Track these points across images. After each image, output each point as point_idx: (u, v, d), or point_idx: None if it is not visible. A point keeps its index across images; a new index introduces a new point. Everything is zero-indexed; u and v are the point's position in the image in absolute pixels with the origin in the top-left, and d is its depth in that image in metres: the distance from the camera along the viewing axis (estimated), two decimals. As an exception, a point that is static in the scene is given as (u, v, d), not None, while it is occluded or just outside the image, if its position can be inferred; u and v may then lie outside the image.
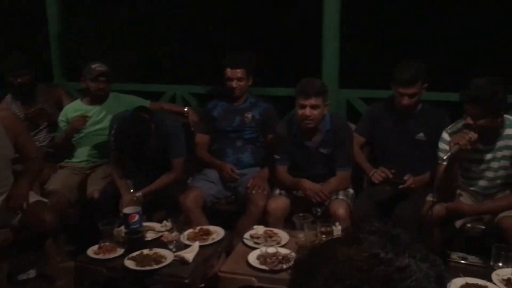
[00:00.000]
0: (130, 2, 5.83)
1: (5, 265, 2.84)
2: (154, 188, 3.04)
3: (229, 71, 3.23)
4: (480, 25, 4.56)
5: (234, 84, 3.24)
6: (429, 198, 2.74)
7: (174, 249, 2.41)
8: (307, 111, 2.80)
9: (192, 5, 5.50)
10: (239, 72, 3.23)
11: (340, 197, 2.93)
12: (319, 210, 2.96)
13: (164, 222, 2.68)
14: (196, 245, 2.42)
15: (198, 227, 2.65)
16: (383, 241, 0.73)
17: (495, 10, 4.48)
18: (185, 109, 3.58)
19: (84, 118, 3.36)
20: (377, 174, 2.97)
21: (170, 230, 2.57)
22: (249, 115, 3.30)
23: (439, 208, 2.63)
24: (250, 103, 3.34)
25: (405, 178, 2.92)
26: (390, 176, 2.94)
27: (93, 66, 3.39)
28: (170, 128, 3.13)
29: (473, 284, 2.09)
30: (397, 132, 3.05)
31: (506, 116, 2.60)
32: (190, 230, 2.62)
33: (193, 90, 3.95)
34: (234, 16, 5.32)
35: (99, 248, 2.43)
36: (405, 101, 2.90)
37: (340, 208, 2.83)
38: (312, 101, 2.79)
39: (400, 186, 2.90)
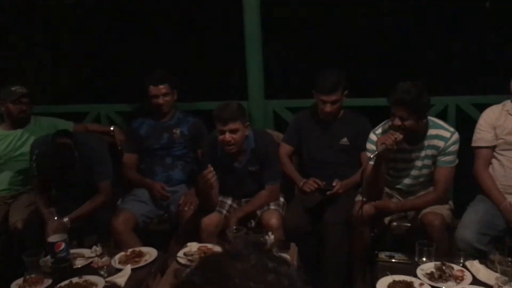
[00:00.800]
0: (49, 24, 5.63)
1: None
2: (81, 213, 2.94)
3: (152, 89, 3.20)
4: (397, 33, 4.83)
5: (161, 100, 3.21)
6: (358, 198, 2.85)
7: (106, 275, 2.34)
8: (227, 136, 2.78)
9: (112, 25, 5.40)
10: (163, 88, 3.21)
11: (272, 207, 2.97)
12: (252, 221, 2.98)
13: (94, 247, 2.58)
14: (128, 269, 2.36)
15: (130, 250, 2.59)
16: (263, 253, 0.78)
17: (409, 18, 4.76)
18: (111, 128, 3.50)
19: None
20: (309, 184, 3.03)
21: (100, 255, 2.49)
22: (177, 131, 3.27)
23: (368, 207, 2.74)
24: (178, 118, 3.32)
25: (334, 184, 3.01)
26: (321, 185, 3.02)
27: (13, 89, 3.23)
28: (95, 150, 3.03)
29: (399, 281, 2.19)
30: (322, 139, 3.14)
31: (429, 117, 2.77)
32: (122, 253, 2.55)
33: (118, 109, 3.86)
34: (159, 33, 5.29)
35: (24, 281, 2.30)
36: (328, 108, 3.00)
37: (272, 218, 2.87)
38: (231, 126, 2.76)
39: (329, 193, 2.99)
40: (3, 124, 3.36)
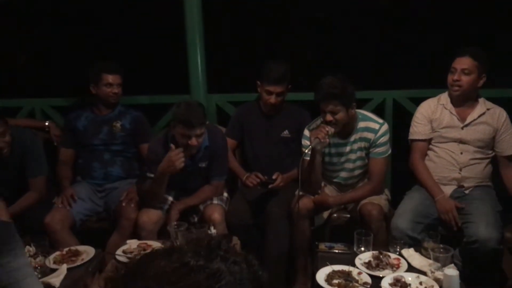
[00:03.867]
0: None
1: None
2: (13, 212, 2.79)
3: (109, 77, 3.08)
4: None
5: (115, 89, 3.11)
6: (298, 192, 2.88)
7: (39, 275, 2.23)
8: (194, 141, 2.69)
9: (49, 14, 5.18)
10: (118, 78, 3.12)
11: (215, 201, 2.95)
12: (195, 216, 2.95)
13: (27, 247, 2.46)
14: (63, 268, 2.27)
15: (66, 249, 2.49)
16: (197, 249, 0.74)
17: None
18: (46, 124, 3.35)
19: None
20: (252, 179, 3.02)
21: (34, 256, 2.38)
22: (117, 124, 3.17)
23: (306, 201, 2.78)
24: (119, 111, 3.22)
25: (274, 177, 3.02)
26: (263, 179, 3.02)
27: None
28: (28, 145, 2.90)
29: (338, 271, 2.24)
30: (264, 131, 3.16)
31: (358, 110, 2.83)
32: (57, 253, 2.45)
33: (54, 103, 3.69)
34: (97, 24, 5.12)
35: None
36: (272, 99, 3.01)
37: (215, 213, 2.85)
38: (197, 131, 2.68)
39: (270, 186, 3.00)
40: None
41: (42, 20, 5.17)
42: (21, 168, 2.90)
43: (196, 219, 2.94)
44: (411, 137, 2.96)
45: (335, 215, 2.97)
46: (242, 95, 3.61)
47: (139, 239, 2.64)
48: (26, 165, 2.89)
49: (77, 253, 2.46)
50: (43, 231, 2.81)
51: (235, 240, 2.57)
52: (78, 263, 2.39)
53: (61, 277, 2.22)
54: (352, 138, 2.82)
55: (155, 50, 5.03)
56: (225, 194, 3.08)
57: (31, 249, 2.45)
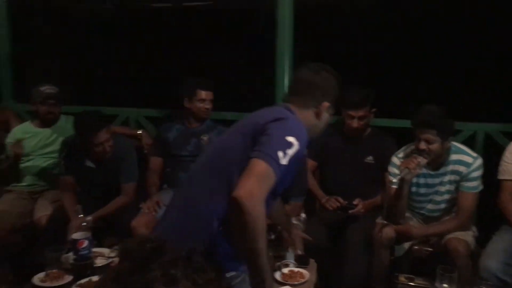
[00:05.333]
0: (81, 25, 5.78)
1: None
2: (104, 213, 2.98)
3: (203, 93, 3.24)
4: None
5: (207, 105, 3.26)
6: (379, 220, 2.82)
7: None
8: None
9: (148, 30, 5.51)
10: (211, 94, 3.27)
11: (294, 222, 2.96)
12: (272, 234, 2.97)
13: (115, 247, 2.61)
14: (147, 271, 2.38)
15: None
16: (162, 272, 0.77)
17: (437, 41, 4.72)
18: (139, 132, 3.55)
19: (19, 143, 3.29)
20: (332, 202, 3.01)
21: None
22: (205, 137, 3.30)
23: (388, 230, 2.71)
24: (207, 125, 3.35)
25: (355, 202, 2.99)
26: (343, 204, 3.00)
27: (42, 89, 3.31)
28: (123, 152, 3.09)
29: (419, 305, 2.15)
30: (346, 156, 3.13)
31: (451, 142, 2.74)
32: (142, 256, 2.57)
33: (147, 113, 3.92)
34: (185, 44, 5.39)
35: (46, 275, 2.33)
36: (355, 123, 3.00)
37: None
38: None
39: (350, 211, 2.97)
40: (35, 121, 3.45)
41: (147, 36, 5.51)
42: (115, 173, 3.09)
43: (273, 237, 2.96)
44: (499, 176, 2.79)
45: (416, 247, 2.87)
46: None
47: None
48: (120, 171, 3.07)
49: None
50: (129, 234, 2.97)
51: (312, 263, 2.56)
52: (161, 267, 2.48)
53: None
54: (444, 170, 2.73)
55: (244, 68, 5.18)
56: (303, 215, 3.07)
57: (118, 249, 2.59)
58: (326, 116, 1.91)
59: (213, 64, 4.89)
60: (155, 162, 3.37)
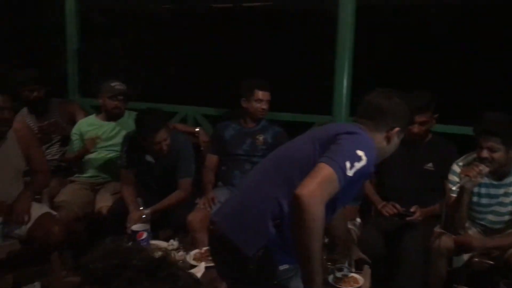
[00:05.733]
0: (146, 23, 5.96)
1: (10, 276, 2.84)
2: (161, 207, 3.06)
3: (260, 93, 3.28)
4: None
5: (264, 105, 3.30)
6: (437, 229, 2.74)
7: (180, 269, 2.41)
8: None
9: (207, 30, 5.62)
10: (268, 95, 3.30)
11: (349, 226, 2.93)
12: (325, 237, 2.95)
13: (171, 241, 2.68)
14: (202, 266, 2.43)
15: (205, 248, 2.65)
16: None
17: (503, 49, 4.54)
18: (196, 129, 3.63)
19: (94, 140, 3.42)
20: (388, 208, 2.95)
21: (176, 250, 2.58)
22: (260, 137, 3.33)
23: (446, 240, 2.63)
24: (263, 126, 3.38)
25: (412, 210, 2.91)
26: (401, 211, 2.94)
27: (112, 84, 3.45)
28: (182, 147, 3.16)
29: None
30: (405, 162, 3.06)
31: None
32: (197, 251, 2.62)
33: (205, 112, 4.00)
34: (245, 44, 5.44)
35: (106, 264, 2.43)
36: (416, 128, 2.92)
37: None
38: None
39: (408, 219, 2.90)
40: (100, 114, 3.59)
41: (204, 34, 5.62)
42: (172, 168, 3.17)
43: (326, 240, 2.93)
44: None
45: (476, 259, 2.76)
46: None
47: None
48: (177, 166, 3.15)
49: (214, 254, 2.60)
50: (184, 229, 3.04)
51: (366, 269, 2.52)
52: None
53: (200, 274, 2.37)
54: (508, 181, 2.61)
55: (301, 69, 5.18)
56: (358, 220, 3.04)
57: (175, 243, 2.66)
58: (396, 141, 1.92)
59: (271, 65, 4.93)
60: (211, 159, 3.43)
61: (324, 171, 1.58)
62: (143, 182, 3.26)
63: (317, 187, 1.55)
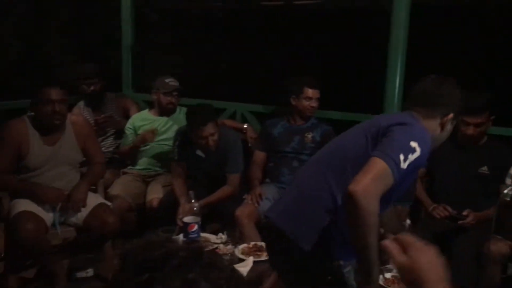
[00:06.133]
0: (198, 21, 6.06)
1: (66, 262, 2.97)
2: (210, 201, 3.12)
3: (310, 91, 3.29)
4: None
5: (313, 103, 3.31)
6: (492, 234, 2.66)
7: (228, 263, 2.45)
8: None
9: (258, 27, 5.66)
10: (317, 93, 3.31)
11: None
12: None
13: (220, 234, 2.73)
14: (250, 260, 2.46)
15: (252, 243, 2.69)
16: None
17: None
18: (244, 126, 3.66)
19: (153, 132, 3.50)
20: (439, 211, 2.89)
21: (225, 243, 2.62)
22: (309, 135, 3.33)
23: (501, 245, 2.55)
24: (311, 123, 3.38)
25: (465, 213, 2.84)
26: (453, 214, 2.87)
27: (166, 81, 3.54)
28: (232, 143, 3.21)
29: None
30: (458, 164, 2.98)
31: None
32: (245, 245, 2.66)
33: (253, 109, 4.03)
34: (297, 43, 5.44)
35: (157, 254, 2.50)
36: (470, 130, 2.84)
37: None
38: None
39: (460, 222, 2.82)
40: (152, 109, 3.69)
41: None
42: (221, 162, 3.23)
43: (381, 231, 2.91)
44: None
45: (533, 267, 2.67)
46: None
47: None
48: (226, 162, 3.20)
49: (262, 249, 2.62)
50: (232, 223, 3.09)
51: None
52: (263, 258, 2.53)
53: (248, 268, 2.41)
54: None
55: (354, 67, 5.13)
56: (408, 221, 2.98)
57: (223, 236, 2.71)
58: (449, 128, 1.90)
59: (321, 63, 4.91)
60: (259, 156, 3.46)
61: (378, 165, 1.57)
62: (193, 176, 3.33)
63: (371, 182, 1.55)
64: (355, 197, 1.54)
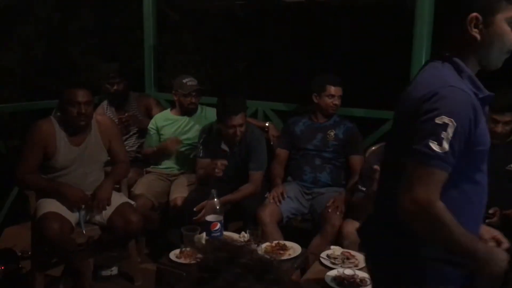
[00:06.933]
0: (219, 20, 6.07)
1: (92, 260, 3.02)
2: (232, 199, 3.13)
3: (332, 89, 3.28)
4: None
5: (336, 101, 3.29)
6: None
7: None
8: None
9: (280, 25, 5.64)
10: (340, 90, 3.29)
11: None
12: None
13: (243, 233, 2.72)
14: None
15: (275, 242, 2.68)
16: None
17: None
18: (266, 124, 3.66)
19: (177, 142, 3.53)
20: None
21: (248, 242, 2.61)
22: (331, 133, 3.31)
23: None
24: (334, 121, 3.36)
25: (491, 211, 2.77)
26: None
27: (184, 81, 3.55)
28: (254, 140, 3.21)
29: None
30: (487, 162, 2.91)
31: None
32: (267, 244, 2.65)
33: (275, 107, 4.02)
34: (318, 41, 5.39)
35: (181, 252, 2.51)
36: (498, 128, 2.78)
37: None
38: None
39: (487, 221, 2.76)
40: (174, 109, 3.71)
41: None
42: (245, 159, 3.23)
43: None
44: None
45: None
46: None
47: (341, 247, 2.69)
48: (250, 158, 3.21)
49: (284, 248, 2.62)
50: (254, 221, 3.08)
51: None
52: (285, 257, 2.53)
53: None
54: None
55: (377, 64, 5.07)
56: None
57: (246, 235, 2.70)
58: (503, 29, 1.42)
59: (343, 60, 4.87)
60: (281, 154, 3.45)
61: (414, 172, 1.34)
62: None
63: (417, 191, 1.32)
64: (409, 214, 1.34)
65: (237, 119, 3.08)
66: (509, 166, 2.86)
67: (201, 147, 3.30)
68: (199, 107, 3.67)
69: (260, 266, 0.79)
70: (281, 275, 0.82)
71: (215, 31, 6.12)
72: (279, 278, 0.80)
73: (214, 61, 6.15)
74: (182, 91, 3.55)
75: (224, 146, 3.26)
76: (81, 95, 2.80)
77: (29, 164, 2.83)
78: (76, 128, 2.88)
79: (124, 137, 3.72)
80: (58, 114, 2.91)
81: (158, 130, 3.63)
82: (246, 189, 3.18)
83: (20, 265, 3.16)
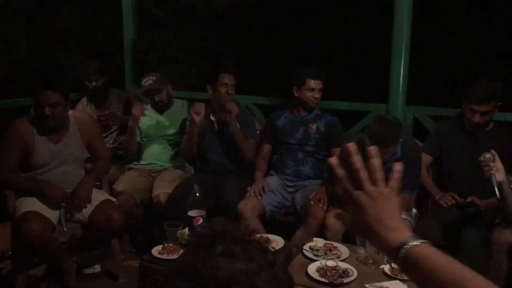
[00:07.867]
0: (200, 16, 6.04)
1: (74, 259, 2.99)
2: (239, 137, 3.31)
3: (312, 82, 3.27)
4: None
5: (316, 94, 3.29)
6: (497, 222, 2.63)
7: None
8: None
9: (263, 23, 5.63)
10: (320, 84, 3.29)
11: (403, 217, 2.86)
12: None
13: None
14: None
15: (258, 235, 2.67)
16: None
17: None
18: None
19: (197, 112, 3.41)
20: (447, 199, 2.85)
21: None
22: (313, 126, 3.31)
23: (508, 234, 2.52)
24: (315, 114, 3.36)
25: (469, 200, 2.81)
26: (460, 202, 2.83)
27: (143, 82, 3.56)
28: (243, 112, 3.42)
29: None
30: (465, 151, 2.95)
31: None
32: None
33: (257, 101, 4.02)
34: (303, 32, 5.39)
35: (163, 248, 2.50)
36: (476, 118, 2.81)
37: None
38: (384, 150, 2.63)
39: (467, 209, 2.79)
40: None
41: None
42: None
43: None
44: None
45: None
46: (443, 109, 3.43)
47: (325, 239, 2.70)
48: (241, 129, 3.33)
49: (268, 241, 2.61)
50: (236, 216, 3.07)
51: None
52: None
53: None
54: None
55: (358, 57, 5.08)
56: (414, 210, 2.96)
57: (228, 230, 2.69)
58: None
59: (325, 54, 4.87)
60: (264, 148, 3.45)
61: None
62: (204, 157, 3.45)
63: None
64: None
65: (229, 78, 3.36)
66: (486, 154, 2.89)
67: (188, 124, 3.40)
68: (178, 101, 3.67)
69: (246, 237, 0.85)
70: (265, 246, 0.87)
71: (197, 26, 6.09)
72: (263, 248, 0.84)
73: (197, 56, 6.12)
74: (143, 92, 3.58)
75: (212, 117, 3.38)
76: (46, 98, 2.71)
77: (8, 163, 2.79)
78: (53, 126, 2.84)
79: (105, 134, 3.68)
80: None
81: (140, 126, 3.60)
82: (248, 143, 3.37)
83: (0, 266, 3.11)
